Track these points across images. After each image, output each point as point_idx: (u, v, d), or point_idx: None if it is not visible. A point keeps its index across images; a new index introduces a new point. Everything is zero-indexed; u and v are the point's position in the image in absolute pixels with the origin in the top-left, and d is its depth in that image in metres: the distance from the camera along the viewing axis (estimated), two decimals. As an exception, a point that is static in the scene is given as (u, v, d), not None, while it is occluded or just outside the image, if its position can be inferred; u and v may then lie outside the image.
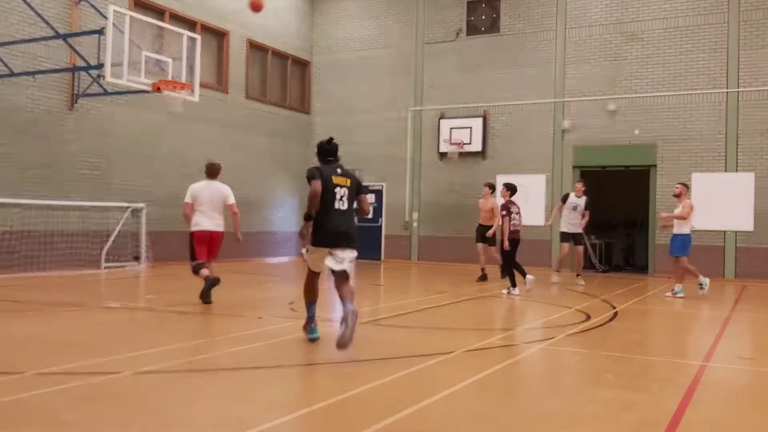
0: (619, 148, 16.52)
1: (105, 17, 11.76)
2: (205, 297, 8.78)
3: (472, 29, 18.46)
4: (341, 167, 6.42)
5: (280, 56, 19.48)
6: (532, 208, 17.35)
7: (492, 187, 13.62)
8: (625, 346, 6.88)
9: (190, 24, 16.08)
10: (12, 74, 12.10)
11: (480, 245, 13.43)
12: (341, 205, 6.29)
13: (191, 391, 4.74)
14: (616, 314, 9.00)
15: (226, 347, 6.16)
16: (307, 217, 6.17)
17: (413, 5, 19.19)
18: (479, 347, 6.49)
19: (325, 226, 6.21)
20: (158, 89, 11.81)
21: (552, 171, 17.27)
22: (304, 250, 6.58)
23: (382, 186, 19.62)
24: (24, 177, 12.71)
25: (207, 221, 8.96)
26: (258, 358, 5.84)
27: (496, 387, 5.10)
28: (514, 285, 10.88)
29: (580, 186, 13.14)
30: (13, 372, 4.95)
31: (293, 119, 19.90)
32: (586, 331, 7.61)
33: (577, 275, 13.07)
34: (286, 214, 19.72)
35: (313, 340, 6.46)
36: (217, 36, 17.29)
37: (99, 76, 12.40)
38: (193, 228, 8.98)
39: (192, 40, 12.84)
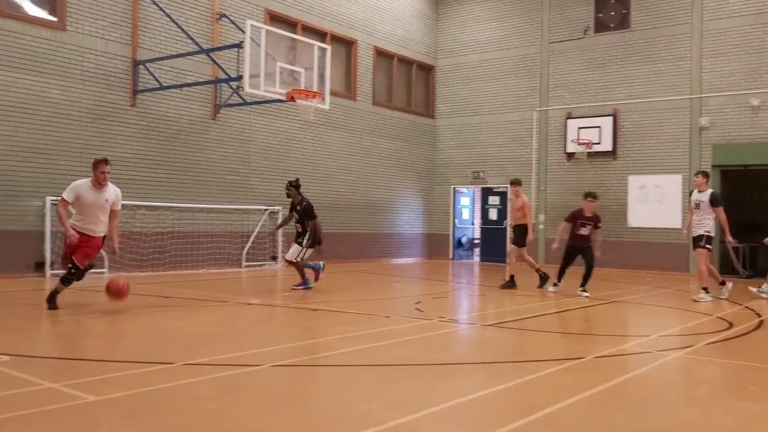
0: (763, 146, 15.38)
1: (243, 31, 12.49)
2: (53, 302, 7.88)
3: (601, 26, 17.88)
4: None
5: (406, 62, 19.79)
6: (667, 209, 16.57)
7: (519, 184, 12.18)
8: (771, 358, 6.44)
9: (321, 35, 16.72)
10: (162, 87, 13.14)
11: (521, 249, 11.93)
12: None
13: (322, 385, 4.96)
14: (761, 323, 8.40)
15: (355, 344, 6.38)
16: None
17: (538, 5, 18.86)
18: (611, 353, 6.31)
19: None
20: (292, 98, 12.33)
21: (689, 171, 16.34)
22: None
23: (507, 188, 19.40)
24: (173, 182, 13.77)
25: None
26: (385, 356, 6.01)
27: (629, 396, 4.95)
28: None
29: (698, 179, 10.80)
30: (164, 362, 5.37)
31: (418, 123, 20.14)
32: (727, 339, 7.18)
33: (720, 283, 11.02)
34: (412, 217, 20.00)
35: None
36: (345, 45, 17.86)
37: (238, 87, 13.19)
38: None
39: (322, 50, 13.30)
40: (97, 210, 7.67)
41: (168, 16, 13.15)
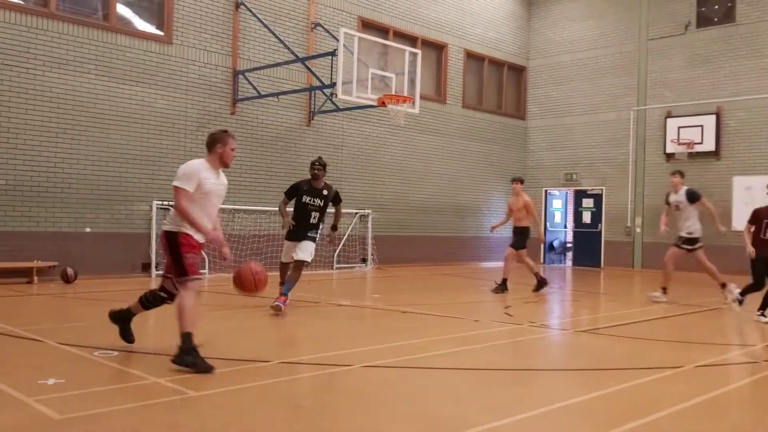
0: None
1: (336, 39, 12.78)
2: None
3: (704, 20, 17.11)
4: None
5: (496, 64, 19.62)
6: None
7: (522, 182, 11.66)
8: None
9: (412, 39, 16.85)
10: (260, 96, 13.64)
11: (520, 251, 11.49)
12: None
13: (413, 387, 5.02)
14: None
15: (445, 347, 6.41)
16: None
17: (636, 1, 18.26)
18: (713, 363, 6.04)
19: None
20: (383, 103, 12.51)
21: (802, 172, 15.39)
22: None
23: (602, 190, 18.89)
24: (270, 186, 14.26)
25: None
26: (475, 360, 6.01)
27: (732, 407, 4.75)
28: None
29: (675, 179, 10.72)
30: (262, 360, 5.58)
31: (508, 125, 19.92)
32: (843, 352, 6.73)
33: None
34: (501, 220, 19.77)
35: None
36: (436, 49, 17.91)
37: (332, 94, 13.50)
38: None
39: (413, 54, 13.39)
40: (217, 201, 5.53)
41: (266, 27, 13.64)
